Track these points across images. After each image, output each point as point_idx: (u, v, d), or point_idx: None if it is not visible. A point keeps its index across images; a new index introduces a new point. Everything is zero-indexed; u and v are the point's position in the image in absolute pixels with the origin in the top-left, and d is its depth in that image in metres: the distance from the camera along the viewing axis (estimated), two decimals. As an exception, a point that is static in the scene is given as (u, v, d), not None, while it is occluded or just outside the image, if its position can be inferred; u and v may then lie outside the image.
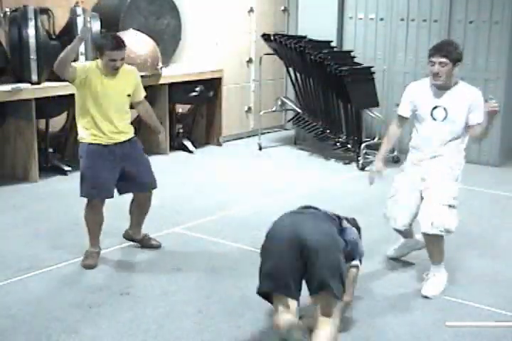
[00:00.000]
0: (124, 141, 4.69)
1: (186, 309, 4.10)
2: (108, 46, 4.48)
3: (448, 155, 4.29)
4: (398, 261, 4.85)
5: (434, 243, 4.28)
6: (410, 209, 4.39)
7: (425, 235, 4.27)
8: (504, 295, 4.28)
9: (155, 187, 4.88)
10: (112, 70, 4.55)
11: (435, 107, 4.27)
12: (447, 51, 4.14)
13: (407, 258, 4.86)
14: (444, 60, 4.11)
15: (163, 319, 3.96)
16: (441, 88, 4.25)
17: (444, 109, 4.23)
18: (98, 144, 4.61)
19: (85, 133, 4.65)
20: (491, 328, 3.89)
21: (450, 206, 4.20)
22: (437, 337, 3.83)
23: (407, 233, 4.65)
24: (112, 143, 4.63)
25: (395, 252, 4.85)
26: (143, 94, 4.89)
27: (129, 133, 4.76)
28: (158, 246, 5.01)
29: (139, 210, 4.93)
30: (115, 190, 4.75)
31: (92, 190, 4.65)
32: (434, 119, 4.29)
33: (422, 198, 4.32)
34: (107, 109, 4.59)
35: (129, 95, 4.70)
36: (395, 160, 7.63)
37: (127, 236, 5.05)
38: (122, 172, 4.67)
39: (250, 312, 4.06)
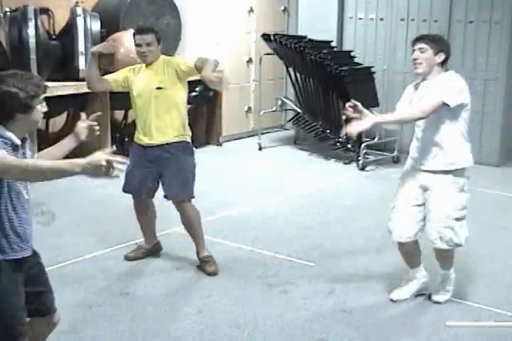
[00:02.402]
0: (159, 145, 4.47)
1: (186, 309, 4.10)
2: (135, 31, 4.52)
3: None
4: (398, 260, 4.85)
5: (443, 254, 4.12)
6: (410, 220, 4.05)
7: (434, 248, 4.09)
8: (504, 295, 4.28)
9: (179, 198, 4.59)
10: (141, 57, 4.51)
11: (420, 97, 3.93)
12: (428, 38, 3.95)
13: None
14: (423, 45, 3.88)
15: (163, 319, 3.96)
16: (424, 79, 3.98)
17: (420, 99, 3.91)
18: (137, 144, 4.56)
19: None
20: (491, 328, 3.89)
21: (458, 219, 3.96)
22: (437, 337, 3.83)
23: (410, 254, 4.20)
24: (146, 144, 4.50)
25: (401, 295, 4.27)
26: (191, 62, 4.38)
27: (166, 136, 4.46)
28: (212, 273, 4.60)
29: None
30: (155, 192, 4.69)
31: (125, 185, 4.63)
32: None
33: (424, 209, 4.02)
34: (141, 108, 4.48)
35: (158, 88, 4.40)
36: (395, 160, 7.64)
37: (196, 255, 4.74)
38: (159, 175, 4.56)
39: (250, 312, 4.06)
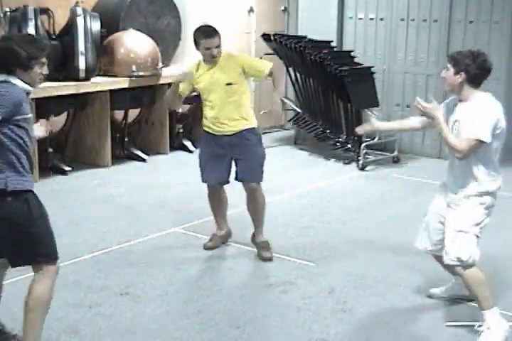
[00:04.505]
0: (234, 133, 4.71)
1: (186, 309, 4.10)
2: (201, 36, 4.60)
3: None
4: (398, 260, 4.85)
5: (462, 278, 3.81)
6: (430, 233, 3.99)
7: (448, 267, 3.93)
8: (504, 295, 4.28)
9: (253, 181, 4.78)
10: (211, 59, 4.63)
11: (455, 121, 3.79)
12: (451, 56, 3.79)
13: (407, 257, 4.86)
14: (447, 63, 3.79)
15: (163, 319, 3.96)
16: (460, 100, 3.81)
17: (459, 123, 3.75)
18: (208, 133, 4.77)
19: (204, 122, 4.81)
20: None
21: (465, 232, 3.73)
22: (437, 337, 3.83)
23: (440, 262, 4.04)
24: (220, 133, 4.72)
25: (439, 293, 4.28)
26: (264, 69, 4.76)
27: (237, 125, 4.71)
28: (268, 259, 4.79)
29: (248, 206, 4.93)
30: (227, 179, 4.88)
31: (202, 175, 4.89)
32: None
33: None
34: (212, 101, 4.68)
35: (228, 84, 4.64)
36: (395, 160, 7.64)
37: (252, 240, 4.97)
38: (232, 161, 4.80)
39: (250, 312, 4.06)
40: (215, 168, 4.79)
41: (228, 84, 4.63)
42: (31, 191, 3.31)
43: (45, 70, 3.29)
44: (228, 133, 4.70)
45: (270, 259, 4.78)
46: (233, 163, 4.81)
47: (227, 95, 4.64)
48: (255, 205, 4.84)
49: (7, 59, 3.18)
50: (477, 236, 3.78)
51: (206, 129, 4.79)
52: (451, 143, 3.65)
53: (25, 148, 3.25)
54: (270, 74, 4.77)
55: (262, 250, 4.83)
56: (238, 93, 4.68)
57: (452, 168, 3.86)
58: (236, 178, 4.81)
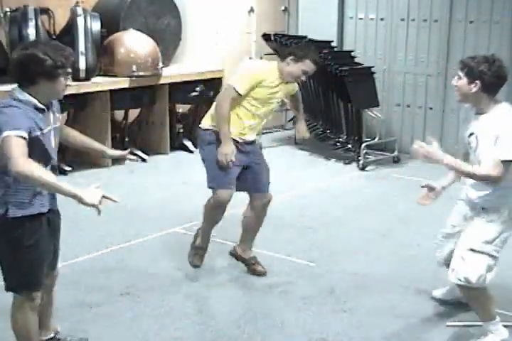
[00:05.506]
0: (253, 140, 4.44)
1: (186, 309, 4.10)
2: (312, 57, 4.26)
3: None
4: (398, 260, 4.85)
5: (465, 295, 3.72)
6: (444, 246, 3.89)
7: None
8: (504, 295, 4.27)
9: (267, 191, 4.47)
10: (292, 79, 4.31)
11: (470, 134, 3.56)
12: (464, 63, 3.50)
13: (407, 257, 4.86)
14: (459, 71, 3.52)
15: (163, 319, 3.96)
16: (477, 113, 3.56)
17: (476, 137, 3.51)
18: (236, 141, 4.32)
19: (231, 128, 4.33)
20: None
21: (475, 251, 3.53)
22: (437, 337, 3.83)
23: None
24: (247, 141, 4.38)
25: (442, 295, 4.21)
26: (295, 87, 4.55)
27: (258, 134, 4.57)
28: (262, 274, 4.57)
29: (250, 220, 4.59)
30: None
31: (220, 180, 4.37)
32: (470, 148, 3.58)
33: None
34: (260, 112, 4.34)
35: (282, 100, 4.51)
36: (395, 160, 7.63)
37: (233, 253, 4.70)
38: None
39: (250, 312, 4.06)
40: (235, 175, 4.36)
41: (282, 100, 4.51)
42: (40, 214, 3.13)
43: (69, 81, 3.06)
44: (251, 140, 4.42)
45: (265, 273, 4.56)
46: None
47: (273, 109, 4.43)
48: (263, 218, 4.53)
49: (31, 67, 2.91)
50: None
51: (232, 136, 4.30)
52: (481, 174, 3.37)
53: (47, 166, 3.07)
54: (295, 103, 4.64)
55: (255, 265, 4.59)
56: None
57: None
58: (252, 189, 4.46)
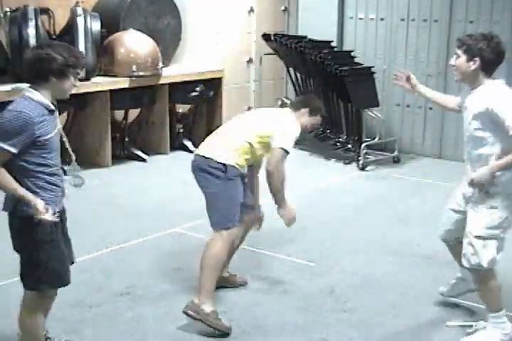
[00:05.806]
0: None
1: (186, 309, 4.10)
2: (322, 112, 4.28)
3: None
4: (398, 260, 4.85)
5: (476, 279, 3.69)
6: (445, 222, 3.87)
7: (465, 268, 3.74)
8: (504, 296, 4.27)
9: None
10: (307, 131, 4.33)
11: (465, 108, 3.58)
12: (462, 41, 3.48)
13: (407, 257, 4.86)
14: (456, 49, 3.50)
15: (163, 319, 3.96)
16: (472, 89, 3.55)
17: (466, 109, 3.55)
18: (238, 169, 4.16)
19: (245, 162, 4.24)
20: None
21: (483, 238, 3.54)
22: (437, 337, 3.83)
23: (452, 253, 3.99)
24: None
25: (447, 291, 4.15)
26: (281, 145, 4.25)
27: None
28: (243, 284, 4.41)
29: None
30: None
31: (235, 216, 4.11)
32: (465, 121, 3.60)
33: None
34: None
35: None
36: (395, 160, 7.63)
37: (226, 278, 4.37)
38: None
39: (250, 312, 4.06)
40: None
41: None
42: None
43: (77, 83, 3.13)
44: None
45: (246, 283, 4.41)
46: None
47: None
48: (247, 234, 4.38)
49: (42, 64, 3.00)
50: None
51: (241, 167, 4.14)
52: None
53: (53, 171, 3.17)
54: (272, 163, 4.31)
55: (236, 277, 4.42)
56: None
57: None
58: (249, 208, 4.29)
